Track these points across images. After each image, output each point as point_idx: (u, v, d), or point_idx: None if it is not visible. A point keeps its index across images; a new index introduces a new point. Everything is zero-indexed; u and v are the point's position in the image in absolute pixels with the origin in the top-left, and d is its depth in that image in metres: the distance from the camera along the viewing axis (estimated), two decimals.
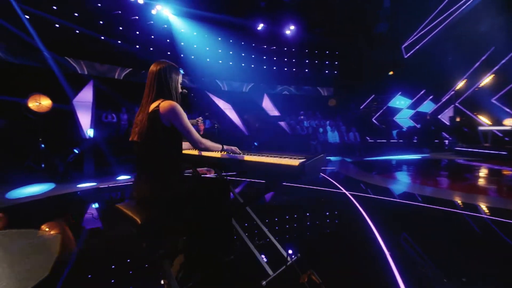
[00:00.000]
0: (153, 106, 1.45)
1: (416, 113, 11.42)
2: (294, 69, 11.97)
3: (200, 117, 4.05)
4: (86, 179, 4.87)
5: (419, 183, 4.72)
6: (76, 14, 6.72)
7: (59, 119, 5.67)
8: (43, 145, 5.36)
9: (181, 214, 1.46)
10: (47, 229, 2.73)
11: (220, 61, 10.23)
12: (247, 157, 1.69)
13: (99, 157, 5.53)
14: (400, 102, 11.78)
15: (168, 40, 8.67)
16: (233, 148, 1.87)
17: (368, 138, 10.54)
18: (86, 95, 6.49)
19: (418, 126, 10.97)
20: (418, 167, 6.49)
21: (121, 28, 7.59)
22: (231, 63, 10.45)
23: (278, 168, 1.50)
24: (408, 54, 10.93)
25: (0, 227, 2.83)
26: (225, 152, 1.94)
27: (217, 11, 8.15)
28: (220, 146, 1.74)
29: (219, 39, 9.69)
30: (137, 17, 7.60)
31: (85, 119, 6.11)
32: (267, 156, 1.70)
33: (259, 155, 1.73)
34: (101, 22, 7.18)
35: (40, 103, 5.70)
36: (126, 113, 7.77)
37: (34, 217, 3.11)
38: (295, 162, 1.42)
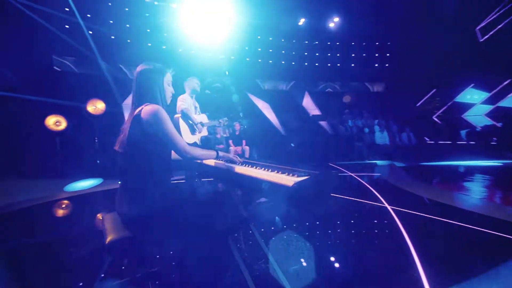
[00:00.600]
0: (136, 111, 1.39)
1: (496, 108, 9.39)
2: (338, 65, 11.15)
3: (225, 118, 3.98)
4: None
5: (503, 201, 3.42)
6: (127, 25, 7.40)
7: (111, 120, 6.33)
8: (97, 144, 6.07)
9: (160, 233, 1.35)
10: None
11: (260, 60, 10.14)
12: (238, 169, 1.51)
13: None
14: (472, 96, 9.92)
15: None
16: (232, 155, 1.71)
17: (427, 139, 9.18)
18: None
19: (500, 124, 9.00)
20: (499, 177, 5.03)
21: (165, 34, 8.10)
22: (270, 61, 10.28)
23: (271, 184, 1.28)
24: (485, 37, 9.06)
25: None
26: (221, 161, 1.80)
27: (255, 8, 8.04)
28: (213, 153, 1.59)
29: (259, 37, 9.60)
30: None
31: None
32: (265, 168, 1.49)
33: (254, 167, 1.53)
34: (148, 30, 7.77)
35: (96, 106, 6.46)
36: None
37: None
38: (289, 180, 1.18)
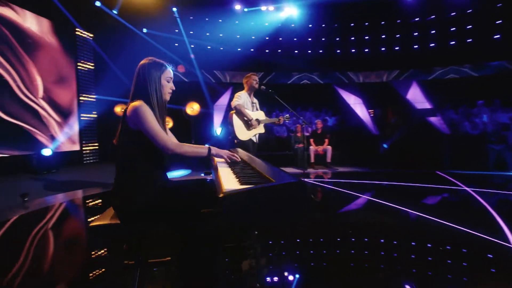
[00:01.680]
0: (126, 107, 1.41)
1: None
2: (471, 40, 8.32)
3: (287, 115, 3.71)
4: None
5: None
6: (220, 35, 8.27)
7: (203, 120, 7.26)
8: (193, 142, 7.09)
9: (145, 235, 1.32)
10: None
11: (354, 50, 9.03)
12: (220, 169, 1.30)
13: None
14: None
15: (295, 39, 8.74)
16: (228, 154, 1.50)
17: None
18: (223, 100, 7.89)
19: None
20: None
21: (253, 37, 8.52)
22: (367, 50, 8.96)
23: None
24: None
25: None
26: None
27: None
28: (204, 150, 1.43)
29: (352, 25, 8.56)
30: (266, 24, 8.23)
31: (218, 119, 7.45)
32: (239, 173, 1.22)
33: (231, 168, 1.28)
34: (238, 36, 8.40)
35: (193, 108, 7.54)
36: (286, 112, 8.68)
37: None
38: (226, 186, 0.88)
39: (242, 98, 3.36)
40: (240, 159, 1.50)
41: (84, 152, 6.84)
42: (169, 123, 7.48)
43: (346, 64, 9.02)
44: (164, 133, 1.33)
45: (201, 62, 8.16)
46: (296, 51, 9.02)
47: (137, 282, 1.43)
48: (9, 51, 5.19)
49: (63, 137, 6.28)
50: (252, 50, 8.72)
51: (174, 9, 7.35)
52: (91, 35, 6.88)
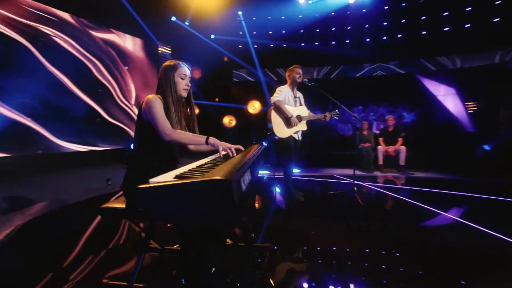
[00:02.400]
0: None
1: None
2: None
3: (336, 111, 3.37)
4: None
5: None
6: (283, 31, 8.17)
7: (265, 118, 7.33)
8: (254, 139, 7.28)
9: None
10: None
11: (447, 28, 7.34)
12: (208, 160, 1.24)
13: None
14: None
15: (366, 26, 7.79)
16: (222, 144, 1.44)
17: None
18: None
19: None
20: None
21: (318, 30, 8.06)
22: (468, 25, 7.13)
23: None
24: None
25: None
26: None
27: None
28: (202, 138, 1.43)
29: None
30: (333, 14, 7.64)
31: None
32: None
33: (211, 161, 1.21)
34: (301, 31, 8.12)
35: (255, 106, 7.74)
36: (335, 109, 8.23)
37: None
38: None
39: (283, 93, 3.21)
40: (234, 154, 1.42)
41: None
42: (233, 121, 7.91)
43: (435, 47, 7.43)
44: (166, 122, 1.40)
45: (264, 61, 8.29)
46: (368, 39, 8.03)
47: (139, 265, 1.56)
48: (113, 66, 6.58)
49: None
50: (316, 43, 8.28)
51: (240, 12, 7.70)
52: (169, 50, 7.96)
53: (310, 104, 3.56)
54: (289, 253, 1.95)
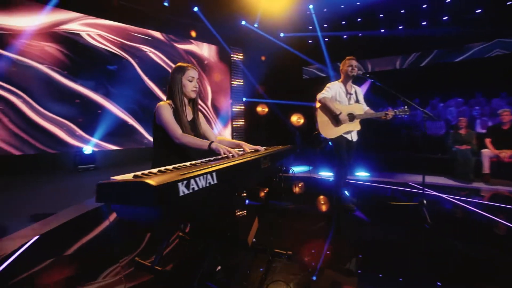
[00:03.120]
0: None
1: None
2: None
3: (404, 107, 2.85)
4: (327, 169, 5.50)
5: None
6: (358, 19, 7.34)
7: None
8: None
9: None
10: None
11: None
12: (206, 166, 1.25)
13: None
14: None
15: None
16: (224, 148, 1.43)
17: None
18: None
19: None
20: None
21: (402, 11, 6.84)
22: None
23: None
24: None
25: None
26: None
27: None
28: (205, 143, 1.48)
29: None
30: None
31: None
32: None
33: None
34: (381, 15, 7.09)
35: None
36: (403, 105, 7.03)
37: None
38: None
39: (332, 90, 2.90)
40: (235, 156, 1.38)
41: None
42: (301, 120, 7.72)
43: None
44: (176, 127, 1.53)
45: (337, 54, 7.70)
46: (478, 10, 6.25)
47: (162, 249, 1.73)
48: None
49: (223, 133, 8.23)
50: (400, 27, 7.06)
51: (311, 6, 7.40)
52: (241, 53, 8.42)
53: (382, 99, 3.01)
54: (302, 264, 1.75)
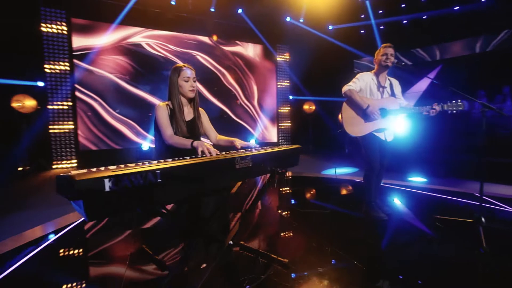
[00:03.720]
0: None
1: None
2: None
3: (458, 101, 2.41)
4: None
5: None
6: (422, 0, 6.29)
7: None
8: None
9: None
10: None
11: None
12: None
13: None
14: None
15: None
16: (202, 145, 1.45)
17: None
18: (420, 86, 6.01)
19: None
20: None
21: None
22: None
23: None
24: None
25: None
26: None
27: None
28: (188, 142, 1.54)
29: None
30: None
31: None
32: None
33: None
34: None
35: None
36: (485, 97, 5.78)
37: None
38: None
39: (361, 81, 2.58)
40: (212, 155, 1.39)
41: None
42: (312, 107, 7.14)
43: None
44: (167, 128, 1.65)
45: (395, 43, 6.81)
46: None
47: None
48: (239, 72, 7.76)
49: (266, 133, 8.27)
50: (483, 0, 5.74)
51: None
52: (287, 55, 8.26)
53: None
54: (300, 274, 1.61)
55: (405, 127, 4.06)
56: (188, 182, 1.12)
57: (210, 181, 1.23)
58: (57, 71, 5.51)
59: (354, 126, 2.55)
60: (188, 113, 1.82)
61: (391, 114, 2.50)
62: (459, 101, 2.41)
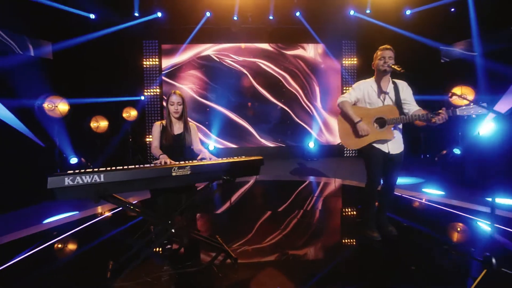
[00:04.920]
0: None
1: None
2: None
3: (470, 104, 2.10)
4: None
5: None
6: None
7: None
8: None
9: None
10: None
11: None
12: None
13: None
14: None
15: None
16: (164, 158, 1.93)
17: None
18: None
19: None
20: None
21: None
22: None
23: None
24: None
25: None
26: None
27: None
28: (158, 154, 2.07)
29: None
30: None
31: None
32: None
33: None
34: None
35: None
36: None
37: None
38: None
39: (358, 91, 2.38)
40: (162, 163, 1.87)
41: (342, 145, 7.96)
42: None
43: None
44: (154, 141, 2.25)
45: (498, 20, 5.25)
46: None
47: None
48: (300, 74, 7.84)
49: (327, 134, 7.97)
50: None
51: None
52: (355, 61, 7.67)
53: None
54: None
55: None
56: (124, 185, 1.62)
57: (139, 184, 1.67)
58: (152, 93, 7.29)
59: (350, 139, 2.40)
60: (178, 128, 2.34)
61: (389, 124, 2.23)
62: (471, 104, 1.95)
